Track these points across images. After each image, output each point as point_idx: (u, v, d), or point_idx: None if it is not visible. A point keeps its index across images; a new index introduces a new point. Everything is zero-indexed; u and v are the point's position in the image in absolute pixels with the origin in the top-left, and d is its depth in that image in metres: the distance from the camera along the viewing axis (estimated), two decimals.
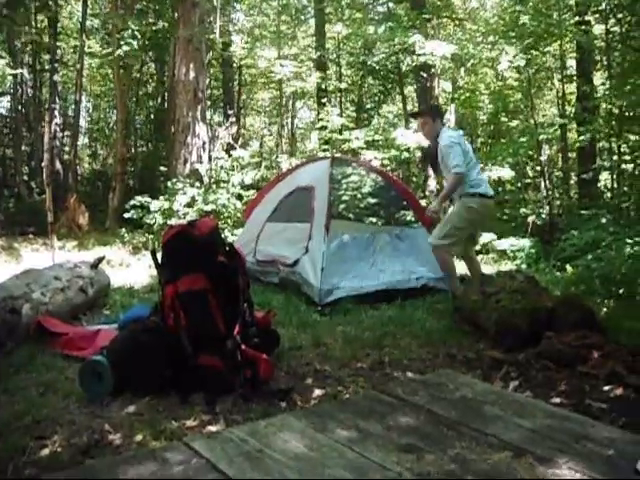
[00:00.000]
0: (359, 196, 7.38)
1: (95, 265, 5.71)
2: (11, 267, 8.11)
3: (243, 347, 3.46)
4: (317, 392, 3.45)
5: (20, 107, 18.89)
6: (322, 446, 2.27)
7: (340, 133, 12.18)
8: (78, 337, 4.27)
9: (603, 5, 10.54)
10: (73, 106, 18.36)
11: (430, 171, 13.46)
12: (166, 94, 17.46)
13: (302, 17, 18.96)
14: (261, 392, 3.35)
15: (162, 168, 16.07)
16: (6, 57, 12.34)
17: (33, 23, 17.20)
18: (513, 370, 3.79)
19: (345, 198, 7.27)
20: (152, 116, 20.17)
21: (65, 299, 4.86)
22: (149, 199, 9.93)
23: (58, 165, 17.23)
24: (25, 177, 17.94)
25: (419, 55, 11.38)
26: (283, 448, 2.29)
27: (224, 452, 2.32)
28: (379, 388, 3.08)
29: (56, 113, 17.51)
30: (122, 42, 12.20)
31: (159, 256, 3.72)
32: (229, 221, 9.59)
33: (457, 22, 15.57)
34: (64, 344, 4.19)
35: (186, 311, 3.50)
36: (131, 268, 8.09)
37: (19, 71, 13.59)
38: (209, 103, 17.26)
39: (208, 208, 8.94)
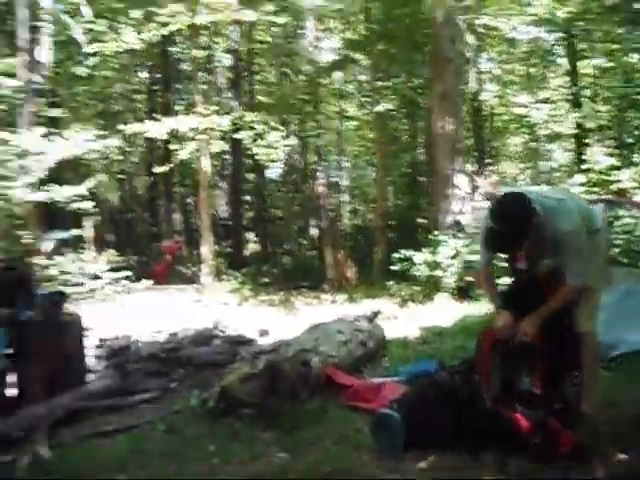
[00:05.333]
0: (632, 239, 6.85)
1: (372, 318, 5.96)
2: (289, 319, 8.83)
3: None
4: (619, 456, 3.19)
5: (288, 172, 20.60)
6: None
7: (607, 174, 11.38)
8: (363, 389, 4.44)
9: None
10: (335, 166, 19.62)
11: None
12: (418, 148, 17.88)
13: (551, 58, 18.37)
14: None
15: (419, 220, 16.39)
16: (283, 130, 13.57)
17: None
18: None
19: (618, 242, 6.79)
20: (407, 170, 20.71)
21: (348, 352, 5.12)
22: (413, 252, 10.16)
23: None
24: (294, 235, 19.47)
25: None
26: None
27: None
28: None
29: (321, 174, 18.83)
30: (380, 100, 12.83)
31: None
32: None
33: None
34: (350, 395, 4.38)
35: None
36: (400, 320, 8.27)
37: (292, 142, 14.87)
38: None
39: (473, 258, 8.85)
